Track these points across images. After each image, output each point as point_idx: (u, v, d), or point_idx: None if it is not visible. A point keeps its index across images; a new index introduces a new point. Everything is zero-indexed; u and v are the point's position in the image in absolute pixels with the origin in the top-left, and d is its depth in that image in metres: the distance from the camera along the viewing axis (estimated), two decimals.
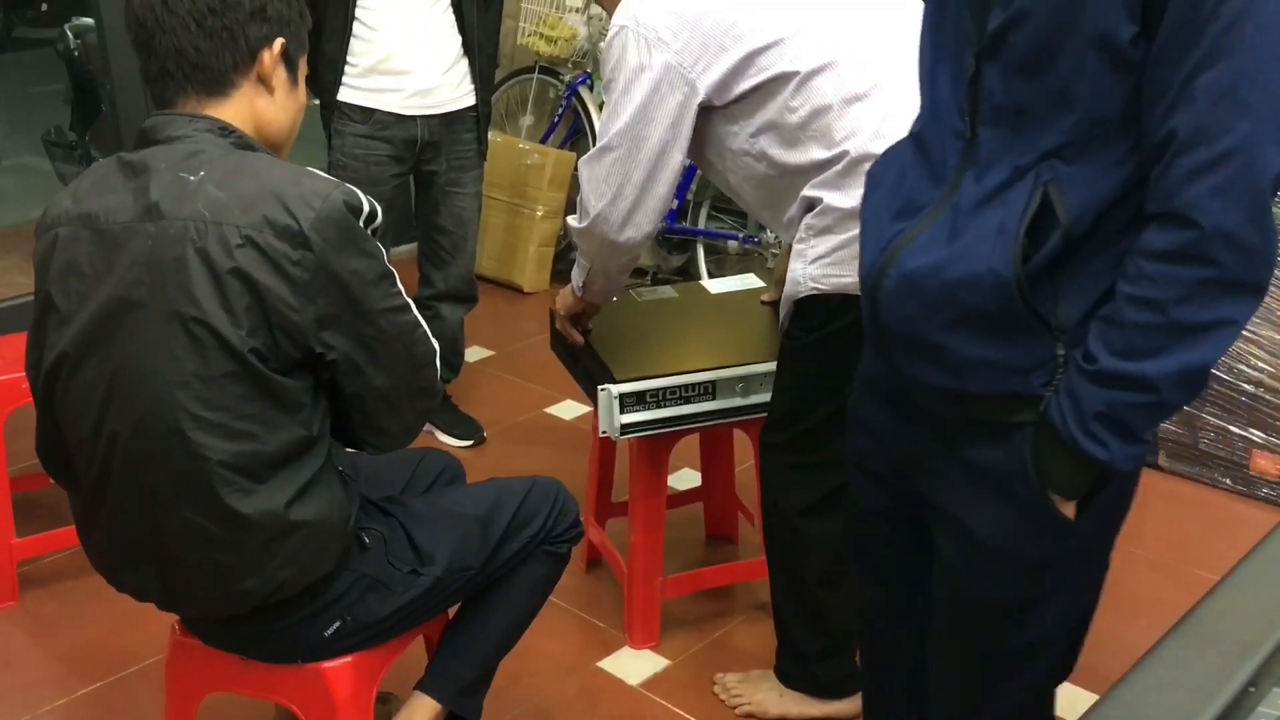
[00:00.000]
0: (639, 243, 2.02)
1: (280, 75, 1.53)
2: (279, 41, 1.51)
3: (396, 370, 1.52)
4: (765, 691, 2.22)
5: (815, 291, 1.90)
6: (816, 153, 1.85)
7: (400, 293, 1.51)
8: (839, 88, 1.84)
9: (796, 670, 2.19)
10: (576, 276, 2.22)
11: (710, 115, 1.93)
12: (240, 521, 1.46)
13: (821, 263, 1.88)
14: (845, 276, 1.85)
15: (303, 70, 1.59)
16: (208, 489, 1.44)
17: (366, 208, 1.46)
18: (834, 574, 2.09)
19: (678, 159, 1.93)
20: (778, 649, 2.21)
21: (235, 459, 1.44)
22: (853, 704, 2.17)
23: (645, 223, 1.98)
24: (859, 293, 1.84)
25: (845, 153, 1.83)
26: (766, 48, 1.85)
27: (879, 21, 1.91)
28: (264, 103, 1.52)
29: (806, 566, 2.09)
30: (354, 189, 1.46)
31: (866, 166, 1.78)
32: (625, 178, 1.94)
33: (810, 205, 1.89)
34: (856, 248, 1.81)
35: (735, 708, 2.23)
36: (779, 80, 1.85)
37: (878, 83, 1.84)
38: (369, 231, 1.46)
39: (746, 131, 1.91)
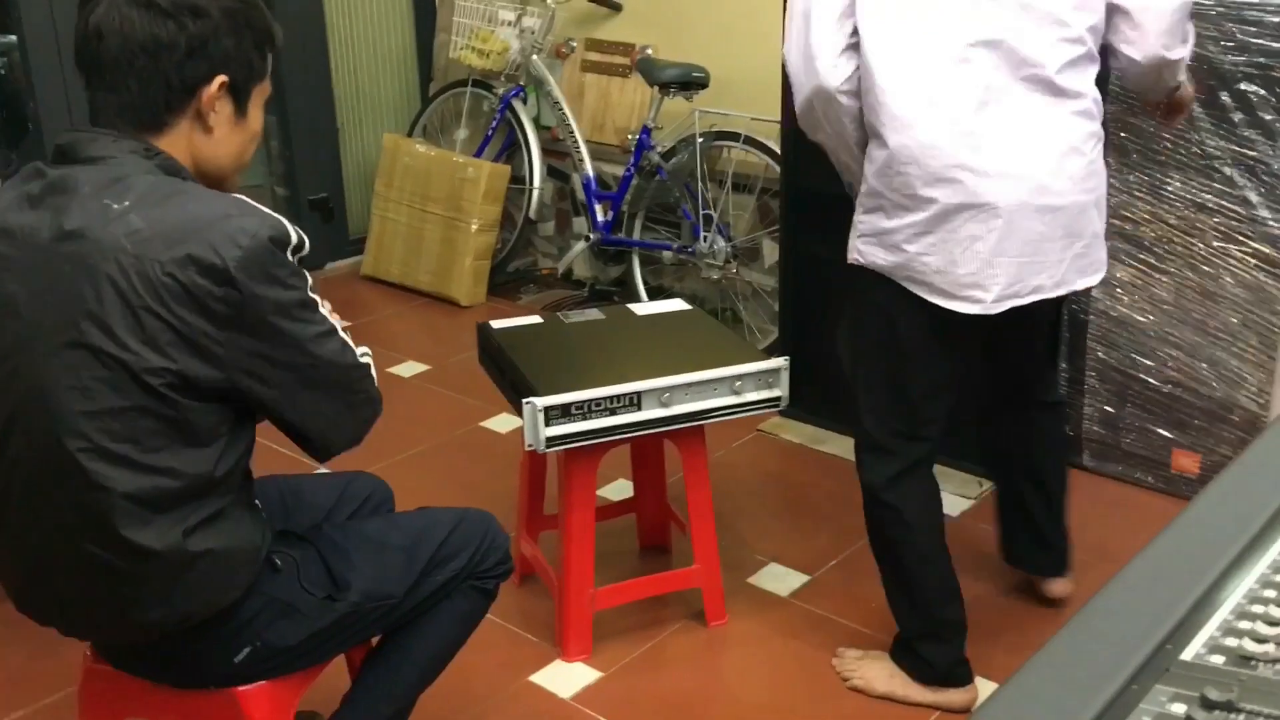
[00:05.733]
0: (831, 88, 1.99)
1: (223, 111, 1.49)
2: (219, 80, 1.47)
3: (331, 392, 1.51)
4: (877, 669, 2.27)
5: (854, 261, 2.07)
6: (873, 126, 1.96)
7: (324, 318, 1.49)
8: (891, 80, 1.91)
9: (904, 652, 2.25)
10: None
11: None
12: (140, 553, 1.44)
13: (862, 239, 2.04)
14: (869, 255, 2.02)
15: (258, 97, 1.54)
16: (107, 521, 1.42)
17: (294, 239, 1.44)
18: (923, 548, 2.16)
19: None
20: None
21: (139, 492, 1.42)
22: (964, 694, 2.20)
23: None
24: (885, 274, 1.99)
25: (886, 141, 1.93)
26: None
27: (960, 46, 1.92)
28: (201, 140, 1.49)
29: (894, 543, 2.17)
30: (281, 222, 1.43)
31: (902, 158, 1.89)
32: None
33: (863, 181, 2.03)
34: (879, 230, 1.96)
35: (846, 679, 2.29)
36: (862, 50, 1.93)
37: (927, 100, 1.90)
38: (296, 260, 1.45)
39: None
